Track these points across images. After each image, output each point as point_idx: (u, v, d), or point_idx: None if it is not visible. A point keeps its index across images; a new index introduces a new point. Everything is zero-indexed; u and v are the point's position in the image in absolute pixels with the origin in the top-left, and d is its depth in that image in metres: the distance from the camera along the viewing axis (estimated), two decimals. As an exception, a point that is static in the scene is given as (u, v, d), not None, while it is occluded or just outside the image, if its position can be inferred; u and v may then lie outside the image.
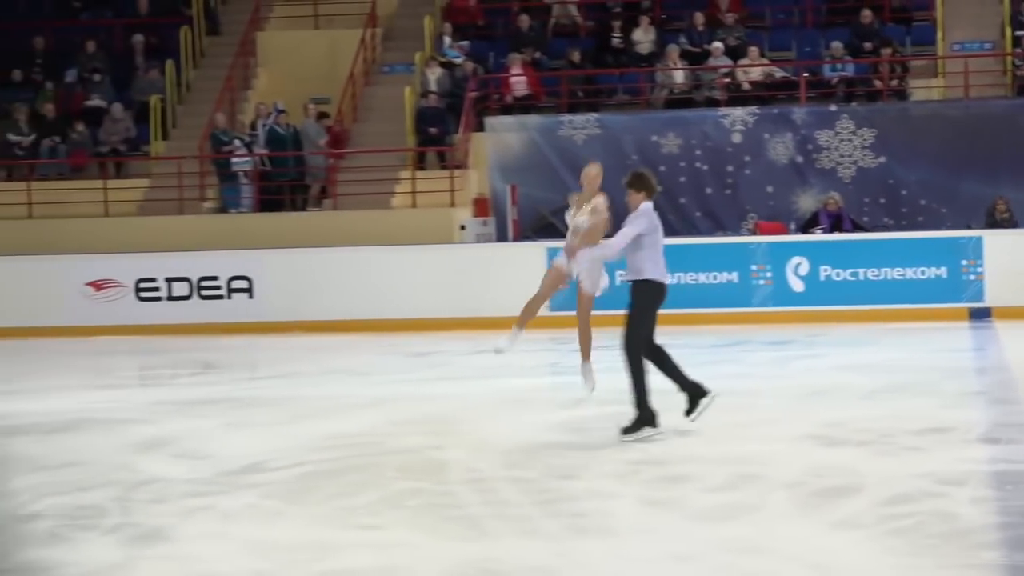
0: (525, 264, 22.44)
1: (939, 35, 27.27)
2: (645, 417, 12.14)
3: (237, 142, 26.38)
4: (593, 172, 13.46)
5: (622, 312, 12.03)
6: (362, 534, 9.56)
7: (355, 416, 14.68)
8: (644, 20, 27.68)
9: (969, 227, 22.98)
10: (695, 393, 12.38)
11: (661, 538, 9.34)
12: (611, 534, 9.42)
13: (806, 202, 24.52)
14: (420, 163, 26.39)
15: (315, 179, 26.61)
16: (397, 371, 19.03)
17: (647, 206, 12.14)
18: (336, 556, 8.81)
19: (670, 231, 17.71)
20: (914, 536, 9.02)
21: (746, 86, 26.34)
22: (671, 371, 12.38)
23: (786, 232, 24.00)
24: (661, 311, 12.19)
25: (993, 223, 23.16)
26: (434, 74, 27.09)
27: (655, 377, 12.08)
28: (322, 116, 27.01)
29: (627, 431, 12.12)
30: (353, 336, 22.69)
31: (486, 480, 11.17)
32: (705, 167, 24.77)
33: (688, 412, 12.41)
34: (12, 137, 27.44)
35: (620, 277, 12.77)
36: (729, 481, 10.79)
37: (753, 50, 26.76)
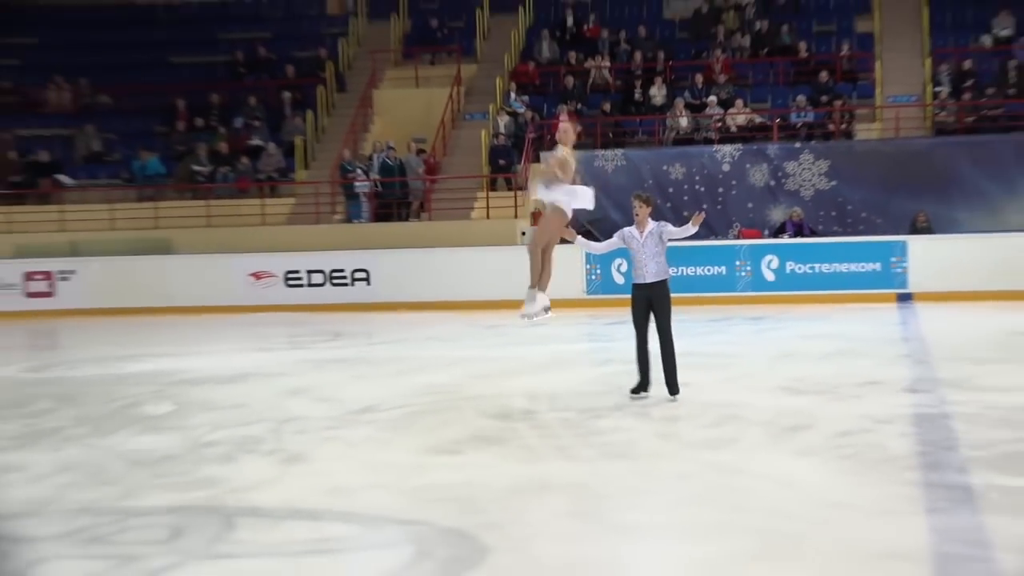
0: (569, 260, 22.56)
1: (877, 90, 27.13)
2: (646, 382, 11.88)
3: (359, 170, 26.50)
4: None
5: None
6: (448, 457, 9.65)
7: (444, 371, 14.76)
8: (658, 80, 27.65)
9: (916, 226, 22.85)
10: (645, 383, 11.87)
11: (667, 462, 9.41)
12: (631, 458, 9.47)
13: (777, 215, 24.44)
14: (492, 186, 26.40)
15: (415, 198, 26.67)
16: (474, 339, 19.11)
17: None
18: (429, 473, 8.92)
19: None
20: (855, 461, 9.05)
21: (733, 129, 26.24)
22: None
23: (761, 236, 23.94)
24: (677, 295, 12.12)
25: (915, 230, 23.06)
26: (503, 120, 27.11)
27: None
28: (420, 151, 27.07)
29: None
30: (443, 313, 22.79)
31: (539, 419, 11.23)
32: (702, 189, 24.73)
33: (634, 391, 11.88)
34: (195, 167, 27.61)
35: (653, 276, 11.65)
36: (717, 420, 10.83)
37: (739, 102, 26.68)
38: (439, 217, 25.88)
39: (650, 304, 11.71)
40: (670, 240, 11.75)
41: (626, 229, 11.88)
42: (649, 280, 11.66)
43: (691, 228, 11.66)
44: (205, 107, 29.61)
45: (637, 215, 11.76)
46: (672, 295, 11.78)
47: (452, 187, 26.59)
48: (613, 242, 12.11)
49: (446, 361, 15.69)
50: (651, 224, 11.72)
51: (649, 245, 11.65)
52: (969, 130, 25.27)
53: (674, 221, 12.83)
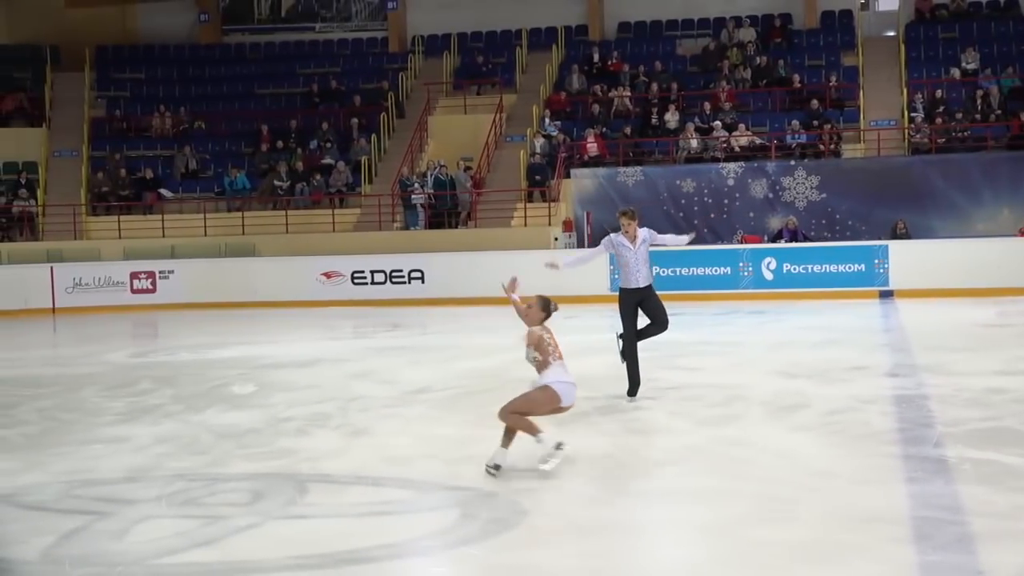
0: (595, 263, 22.50)
1: (861, 116, 26.90)
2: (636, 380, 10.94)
3: (415, 185, 26.48)
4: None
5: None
6: (492, 431, 9.54)
7: (488, 357, 14.70)
8: (672, 107, 27.49)
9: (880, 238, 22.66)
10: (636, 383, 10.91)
11: (679, 436, 9.33)
12: (647, 433, 9.41)
13: (774, 223, 24.24)
14: (529, 199, 26.34)
15: (463, 208, 26.63)
16: (516, 329, 18.92)
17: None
18: (476, 445, 8.85)
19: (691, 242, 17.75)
20: (843, 436, 8.95)
21: (736, 149, 26.06)
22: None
23: (761, 241, 23.75)
24: (689, 292, 11.80)
25: (895, 236, 22.82)
26: (538, 142, 27.03)
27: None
28: (467, 168, 27.03)
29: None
30: (488, 307, 22.67)
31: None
32: (710, 200, 24.54)
33: (630, 394, 10.86)
34: (277, 183, 27.67)
35: (642, 281, 10.81)
36: (723, 400, 10.73)
37: (741, 126, 26.49)
38: (484, 225, 25.84)
39: (638, 306, 10.91)
40: (662, 246, 11.42)
41: (614, 237, 10.87)
42: (641, 284, 10.84)
43: (685, 240, 11.34)
44: (285, 131, 29.68)
45: (627, 231, 10.78)
46: (684, 292, 11.55)
47: (495, 199, 26.54)
48: (599, 250, 11.18)
49: (490, 349, 15.62)
50: (642, 232, 10.82)
51: (642, 252, 10.82)
52: (941, 150, 24.99)
53: (686, 228, 12.40)
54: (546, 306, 8.64)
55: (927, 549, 5.97)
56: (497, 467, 7.73)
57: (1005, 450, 8.14)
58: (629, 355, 10.85)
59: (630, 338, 10.87)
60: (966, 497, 6.95)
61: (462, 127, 28.91)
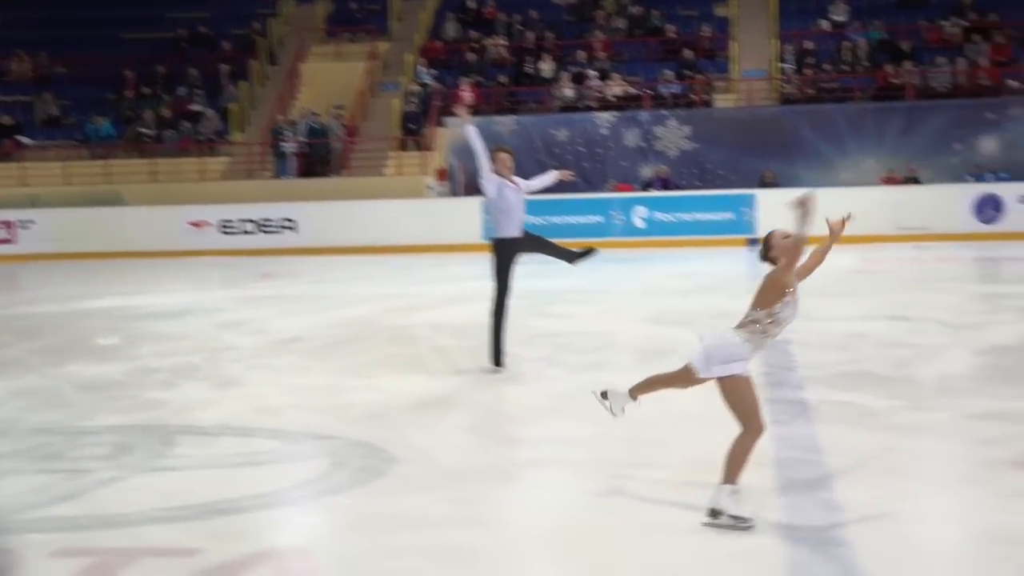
0: (467, 211, 22.76)
1: (733, 66, 27.27)
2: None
3: (287, 133, 26.11)
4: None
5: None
6: (362, 380, 9.58)
7: (359, 306, 14.63)
8: (547, 56, 27.52)
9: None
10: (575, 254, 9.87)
11: (551, 383, 9.40)
12: (519, 381, 9.44)
13: (647, 172, 24.54)
14: (403, 147, 26.17)
15: (336, 157, 26.35)
16: (387, 278, 18.95)
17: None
18: (345, 394, 8.86)
19: (563, 190, 17.86)
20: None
21: (611, 99, 26.22)
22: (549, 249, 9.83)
23: (634, 190, 24.03)
24: (560, 240, 10.89)
25: (763, 185, 23.29)
26: (413, 90, 26.84)
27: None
28: (339, 117, 26.73)
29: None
30: (361, 256, 22.60)
31: (442, 347, 11.21)
32: (584, 150, 24.72)
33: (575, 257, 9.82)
34: (143, 130, 27.02)
35: (521, 229, 9.61)
36: (594, 347, 10.87)
37: (616, 76, 26.66)
38: (357, 174, 25.64)
39: (515, 257, 9.64)
40: (535, 193, 10.04)
41: (497, 179, 9.57)
42: (520, 234, 9.65)
43: (552, 177, 10.01)
44: (152, 77, 28.93)
45: (505, 169, 9.58)
46: (555, 240, 10.37)
47: (368, 148, 26.34)
48: (490, 189, 9.63)
49: (361, 298, 15.55)
50: (518, 180, 9.70)
51: (522, 196, 9.70)
52: (809, 101, 25.52)
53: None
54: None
55: (788, 488, 6.16)
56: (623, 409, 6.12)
57: (863, 392, 8.42)
58: (498, 320, 9.60)
59: (502, 300, 9.62)
60: (825, 438, 7.18)
61: (335, 75, 28.50)
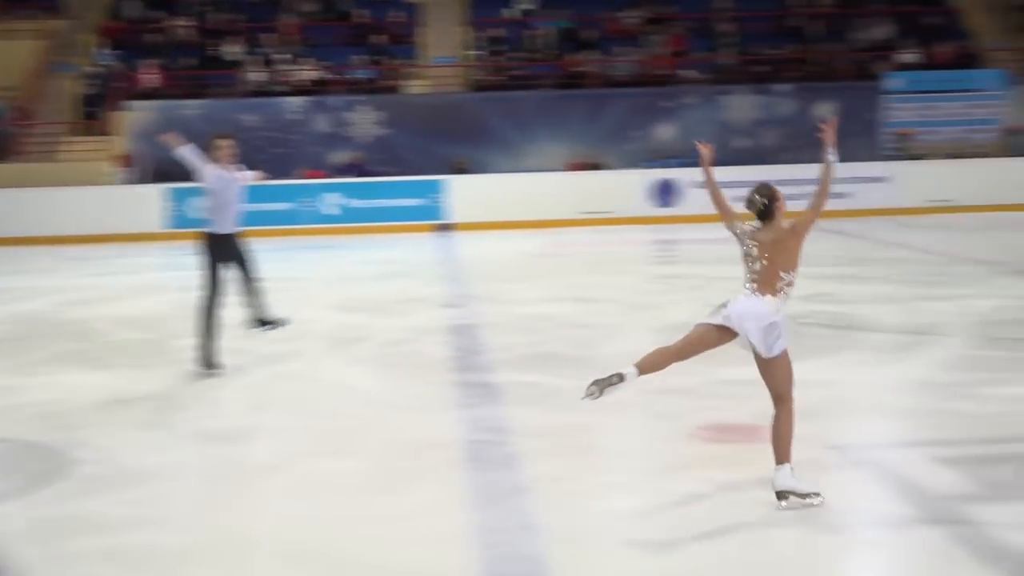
0: (150, 200, 22.20)
1: (423, 52, 27.55)
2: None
3: (-49, 116, 24.43)
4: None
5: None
6: (40, 378, 9.13)
7: (32, 300, 13.78)
8: (234, 38, 26.91)
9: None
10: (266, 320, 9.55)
11: (241, 375, 9.19)
12: (206, 374, 9.20)
13: (340, 158, 24.46)
14: (83, 131, 24.99)
15: (7, 142, 24.85)
16: (63, 270, 17.91)
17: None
18: (17, 394, 8.41)
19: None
20: (400, 367, 9.25)
21: (302, 84, 25.94)
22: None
23: (325, 177, 23.88)
24: (248, 228, 10.37)
25: (454, 171, 23.69)
26: (92, 72, 25.67)
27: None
28: (10, 99, 25.23)
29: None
30: (39, 247, 21.40)
31: (122, 340, 10.82)
32: (274, 135, 24.35)
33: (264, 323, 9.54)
34: None
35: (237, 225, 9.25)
36: (284, 336, 10.42)
37: (309, 60, 26.39)
38: (30, 160, 24.25)
39: (231, 259, 9.21)
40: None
41: (216, 170, 9.07)
42: (235, 228, 9.22)
43: (251, 177, 9.59)
44: None
45: (230, 154, 9.13)
46: (252, 228, 10.13)
47: (43, 133, 24.97)
48: (211, 181, 9.10)
49: (35, 291, 14.69)
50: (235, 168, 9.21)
51: (239, 188, 9.27)
52: (498, 87, 26.10)
53: (247, 166, 11.06)
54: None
55: (478, 470, 6.32)
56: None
57: (547, 372, 8.72)
58: (207, 320, 9.06)
59: (211, 298, 9.08)
60: (511, 418, 7.40)
61: (4, 54, 26.84)
